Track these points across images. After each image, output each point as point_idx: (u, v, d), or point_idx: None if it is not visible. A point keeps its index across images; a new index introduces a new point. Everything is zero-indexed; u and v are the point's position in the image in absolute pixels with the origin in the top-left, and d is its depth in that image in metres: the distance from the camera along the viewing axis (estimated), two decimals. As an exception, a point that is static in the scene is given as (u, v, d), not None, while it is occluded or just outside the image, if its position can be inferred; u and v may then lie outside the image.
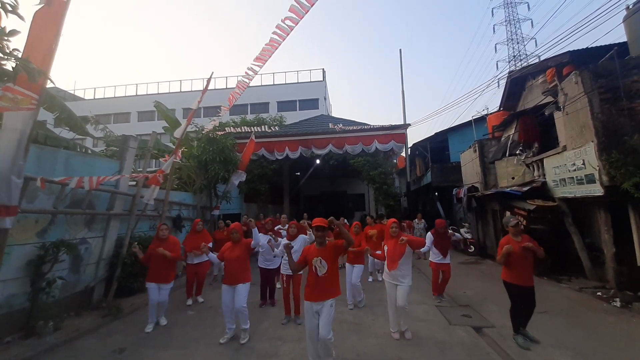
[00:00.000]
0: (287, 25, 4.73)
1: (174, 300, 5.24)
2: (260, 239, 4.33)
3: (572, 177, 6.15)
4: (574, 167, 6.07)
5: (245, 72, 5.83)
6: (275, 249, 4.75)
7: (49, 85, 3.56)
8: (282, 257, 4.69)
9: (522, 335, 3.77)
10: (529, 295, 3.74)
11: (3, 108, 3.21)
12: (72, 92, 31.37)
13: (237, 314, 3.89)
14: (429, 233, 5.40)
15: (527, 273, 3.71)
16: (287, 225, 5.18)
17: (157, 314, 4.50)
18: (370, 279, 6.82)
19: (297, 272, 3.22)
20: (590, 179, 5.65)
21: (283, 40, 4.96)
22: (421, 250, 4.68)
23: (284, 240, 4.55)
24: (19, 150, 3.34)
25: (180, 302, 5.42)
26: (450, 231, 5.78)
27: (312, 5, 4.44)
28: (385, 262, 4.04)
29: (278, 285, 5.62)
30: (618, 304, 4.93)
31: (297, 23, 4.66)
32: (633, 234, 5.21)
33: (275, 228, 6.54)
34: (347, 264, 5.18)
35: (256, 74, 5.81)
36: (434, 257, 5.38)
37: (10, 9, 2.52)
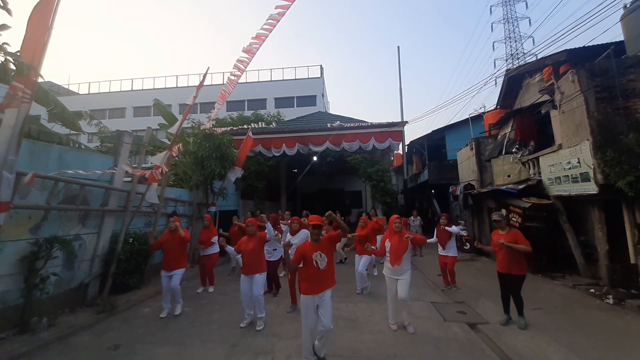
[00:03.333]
0: (277, 14, 4.87)
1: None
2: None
3: (567, 176, 6.19)
4: (569, 165, 6.11)
5: (235, 66, 5.82)
6: (278, 244, 5.34)
7: (40, 79, 3.50)
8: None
9: (508, 317, 4.20)
10: (513, 282, 4.09)
11: (4, 105, 3.18)
12: (66, 86, 31.00)
13: (254, 302, 4.16)
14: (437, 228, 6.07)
15: (507, 262, 4.11)
16: (289, 221, 5.83)
17: (171, 302, 4.78)
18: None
19: (294, 270, 3.36)
20: (585, 178, 5.69)
21: (272, 29, 5.18)
22: (427, 241, 5.29)
23: (288, 236, 5.14)
24: (11, 145, 3.29)
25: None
26: (443, 223, 6.11)
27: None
28: (388, 257, 4.15)
29: (282, 274, 6.29)
30: (611, 300, 4.99)
31: (288, 8, 4.79)
32: (626, 232, 5.27)
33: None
34: (356, 255, 5.75)
35: (245, 68, 5.83)
36: (439, 250, 6.07)
37: (1, 4, 2.48)
